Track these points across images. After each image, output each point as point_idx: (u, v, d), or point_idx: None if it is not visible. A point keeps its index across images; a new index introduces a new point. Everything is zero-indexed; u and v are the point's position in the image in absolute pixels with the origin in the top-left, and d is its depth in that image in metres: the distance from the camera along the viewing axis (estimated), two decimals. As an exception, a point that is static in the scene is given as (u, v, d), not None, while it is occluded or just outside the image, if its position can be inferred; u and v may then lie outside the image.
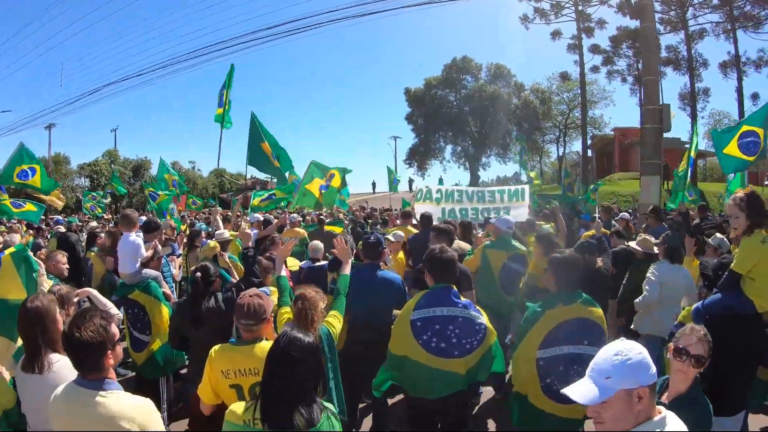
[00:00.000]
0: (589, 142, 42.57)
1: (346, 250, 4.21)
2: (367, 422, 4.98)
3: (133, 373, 5.54)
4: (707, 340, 2.63)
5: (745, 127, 9.10)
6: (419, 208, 8.32)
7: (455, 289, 3.60)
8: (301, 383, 2.17)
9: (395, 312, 4.44)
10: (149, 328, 4.90)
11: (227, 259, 6.42)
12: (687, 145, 37.51)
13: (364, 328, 4.26)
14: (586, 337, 3.39)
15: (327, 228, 10.59)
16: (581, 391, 1.78)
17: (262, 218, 9.81)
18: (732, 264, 3.76)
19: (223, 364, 2.98)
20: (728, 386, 3.09)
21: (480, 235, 7.18)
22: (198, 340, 4.01)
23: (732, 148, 9.09)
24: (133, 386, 5.04)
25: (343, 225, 11.94)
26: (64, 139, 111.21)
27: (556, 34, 41.42)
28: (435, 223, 7.20)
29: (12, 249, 3.88)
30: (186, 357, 5.05)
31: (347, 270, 4.05)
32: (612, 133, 47.68)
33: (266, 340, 3.03)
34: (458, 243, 5.94)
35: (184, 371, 5.41)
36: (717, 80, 53.19)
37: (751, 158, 8.98)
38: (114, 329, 2.30)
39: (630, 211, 16.15)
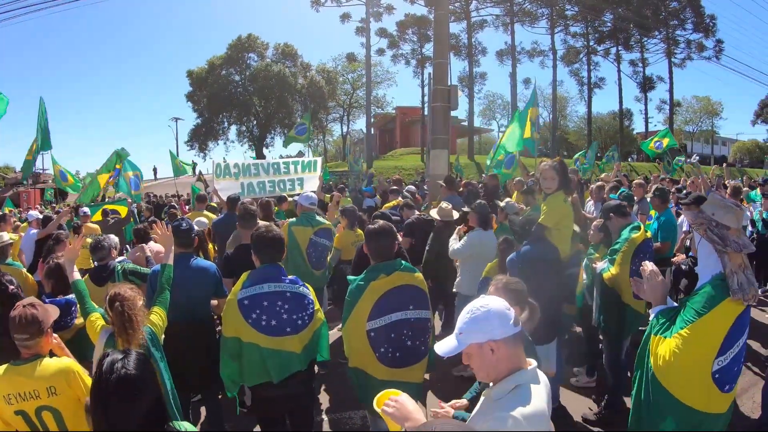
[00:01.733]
0: (372, 120, 44.72)
1: (167, 236, 3.89)
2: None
3: None
4: (509, 288, 2.79)
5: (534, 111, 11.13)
6: (220, 185, 8.15)
7: (282, 267, 3.55)
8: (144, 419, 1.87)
9: (213, 302, 4.32)
10: None
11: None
12: (464, 123, 41.85)
13: (183, 321, 3.95)
14: (411, 301, 3.50)
15: (108, 207, 9.83)
16: (441, 345, 1.91)
17: (40, 216, 8.63)
18: (540, 219, 4.34)
19: (5, 389, 2.55)
20: (541, 319, 3.45)
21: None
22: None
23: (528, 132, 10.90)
24: None
25: (126, 203, 11.12)
26: None
27: (345, 17, 43.19)
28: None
29: None
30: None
31: (171, 259, 3.75)
32: (394, 111, 50.85)
33: (49, 356, 2.71)
34: (261, 223, 5.85)
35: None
36: (494, 66, 60.54)
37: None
38: None
39: (416, 182, 17.55)
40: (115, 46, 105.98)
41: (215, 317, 4.50)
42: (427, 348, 3.59)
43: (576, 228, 4.96)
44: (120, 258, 5.32)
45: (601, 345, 5.18)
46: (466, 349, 1.85)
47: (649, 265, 2.88)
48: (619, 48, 46.45)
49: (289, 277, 3.52)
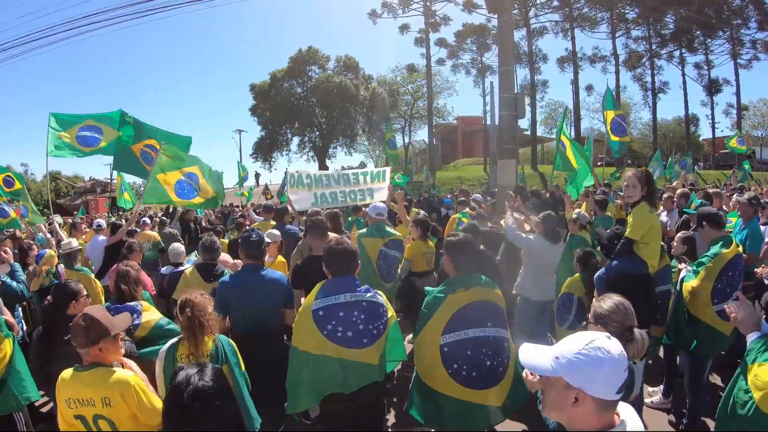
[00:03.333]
0: (433, 130, 44.53)
1: None
2: None
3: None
4: (612, 321, 2.51)
5: (611, 113, 10.76)
6: (293, 196, 8.18)
7: (357, 278, 3.46)
8: None
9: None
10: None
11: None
12: (526, 132, 41.22)
13: (251, 332, 3.95)
14: (489, 318, 3.38)
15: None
16: (531, 355, 1.62)
17: (104, 224, 8.84)
18: (627, 233, 4.16)
19: (66, 392, 2.58)
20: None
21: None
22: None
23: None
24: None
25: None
26: None
27: (404, 28, 43.74)
28: (310, 209, 7.13)
29: None
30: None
31: None
32: (455, 121, 50.56)
33: (114, 366, 2.66)
34: (332, 235, 5.79)
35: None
36: (555, 73, 59.40)
37: (627, 138, 10.69)
38: None
39: (481, 193, 17.22)
40: (178, 62, 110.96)
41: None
42: (505, 369, 3.42)
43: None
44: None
45: (680, 363, 4.96)
46: (552, 378, 1.53)
47: (730, 306, 2.73)
48: (683, 50, 44.18)
49: (362, 286, 3.42)
